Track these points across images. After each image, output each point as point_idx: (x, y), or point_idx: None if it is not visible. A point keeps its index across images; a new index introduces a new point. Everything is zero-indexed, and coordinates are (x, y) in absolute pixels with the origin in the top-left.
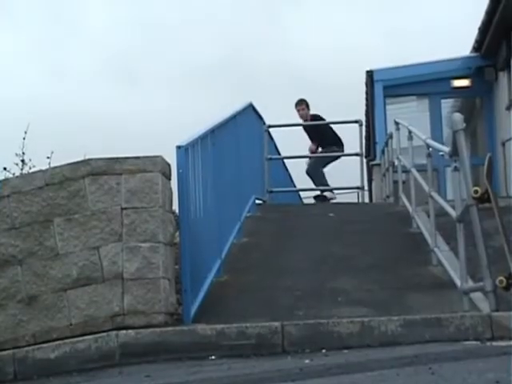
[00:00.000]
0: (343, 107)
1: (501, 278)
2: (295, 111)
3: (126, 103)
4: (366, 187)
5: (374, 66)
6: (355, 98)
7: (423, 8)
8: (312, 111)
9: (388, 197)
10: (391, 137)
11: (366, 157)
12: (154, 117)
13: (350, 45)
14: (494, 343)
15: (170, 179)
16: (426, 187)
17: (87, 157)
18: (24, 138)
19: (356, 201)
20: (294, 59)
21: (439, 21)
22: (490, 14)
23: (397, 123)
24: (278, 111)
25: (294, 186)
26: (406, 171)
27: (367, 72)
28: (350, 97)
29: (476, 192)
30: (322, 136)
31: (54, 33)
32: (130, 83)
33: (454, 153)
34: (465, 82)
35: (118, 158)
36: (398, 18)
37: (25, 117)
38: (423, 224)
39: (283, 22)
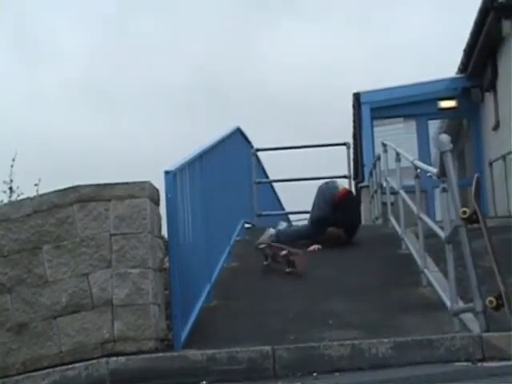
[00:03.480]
0: (321, 127)
1: (491, 298)
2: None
3: (97, 126)
4: None
5: (356, 86)
6: (335, 118)
7: (408, 27)
8: (295, 134)
9: (377, 218)
10: (379, 158)
11: (354, 179)
12: (126, 139)
13: (328, 65)
14: (485, 364)
15: (158, 204)
16: (414, 208)
17: (75, 183)
18: (12, 166)
19: None
20: (270, 79)
21: (423, 40)
22: (475, 36)
23: (384, 145)
24: (254, 133)
25: (283, 210)
26: (394, 193)
27: (354, 94)
28: (326, 117)
29: (464, 213)
30: None
31: (23, 57)
32: (101, 107)
33: (442, 174)
34: (451, 103)
35: (105, 184)
36: (379, 37)
37: None
38: (412, 245)
39: (257, 42)
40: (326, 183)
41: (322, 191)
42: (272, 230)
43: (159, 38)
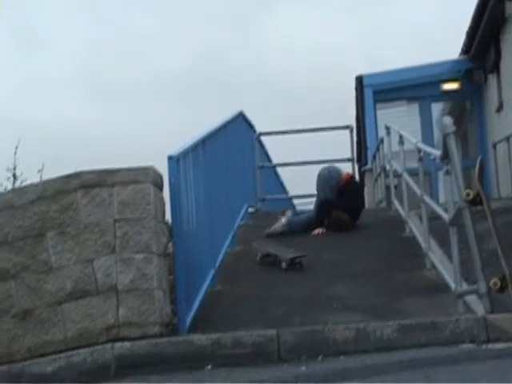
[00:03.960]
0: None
1: (495, 280)
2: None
3: (97, 114)
4: None
5: (357, 69)
6: (337, 101)
7: (410, 9)
8: (296, 118)
9: (380, 202)
10: (382, 142)
11: (357, 162)
12: (127, 127)
13: (327, 47)
14: (490, 345)
15: (161, 190)
16: (418, 191)
17: (78, 169)
18: (15, 153)
19: None
20: (270, 64)
21: (426, 21)
22: (478, 17)
23: (387, 128)
24: (256, 117)
25: (287, 194)
26: (397, 176)
27: (357, 77)
28: (327, 101)
29: (468, 195)
30: None
31: (23, 46)
32: (101, 95)
33: (445, 156)
34: (454, 85)
35: (109, 170)
36: (379, 20)
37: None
38: (416, 228)
39: (254, 27)
40: (328, 169)
41: (324, 177)
42: (283, 220)
43: (158, 26)
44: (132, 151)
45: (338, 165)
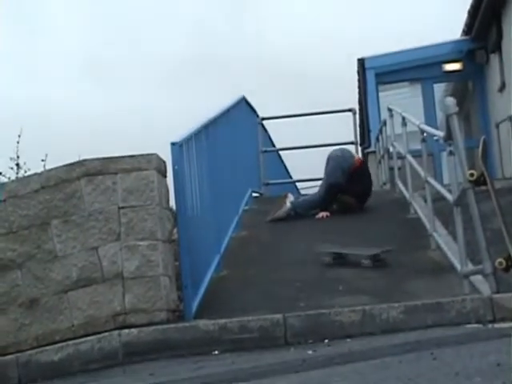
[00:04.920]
0: (328, 94)
1: (500, 259)
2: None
3: (101, 102)
4: None
5: (357, 52)
6: (338, 84)
7: None
8: (297, 102)
9: (384, 184)
10: (385, 124)
11: (360, 145)
12: (129, 115)
13: (328, 30)
14: (496, 325)
15: (165, 176)
16: (421, 173)
17: (81, 158)
18: (18, 142)
19: None
20: (270, 51)
21: (427, 3)
22: None
23: (390, 110)
24: (256, 103)
25: (291, 178)
26: (401, 157)
27: (359, 60)
28: (328, 84)
29: (472, 175)
30: None
31: (19, 34)
32: (104, 83)
33: (449, 137)
34: (456, 66)
35: (112, 158)
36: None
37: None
38: (421, 209)
39: (253, 14)
40: (341, 151)
41: (337, 160)
42: (288, 204)
43: (157, 11)
44: (131, 137)
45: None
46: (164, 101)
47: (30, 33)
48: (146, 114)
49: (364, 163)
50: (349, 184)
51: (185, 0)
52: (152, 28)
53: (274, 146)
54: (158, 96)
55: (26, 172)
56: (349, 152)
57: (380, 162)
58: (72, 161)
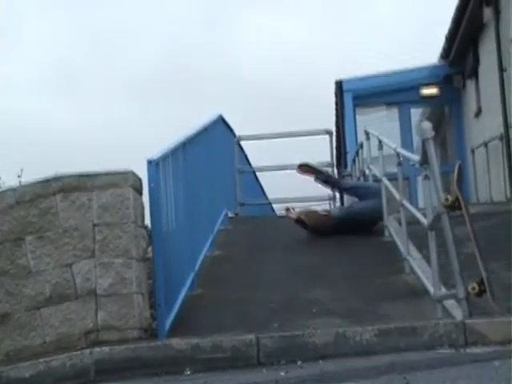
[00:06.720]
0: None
1: (473, 284)
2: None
3: (63, 115)
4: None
5: (334, 74)
6: (313, 106)
7: (387, 14)
8: (273, 122)
9: None
10: (361, 146)
11: (336, 167)
12: (92, 129)
13: (303, 51)
14: (468, 350)
15: (141, 194)
16: (397, 196)
17: (56, 171)
18: None
19: None
20: (245, 67)
21: (404, 24)
22: (457, 22)
23: (367, 133)
24: (233, 122)
25: (266, 198)
26: (377, 180)
27: (336, 82)
28: (304, 104)
29: (447, 200)
30: None
31: None
32: (67, 96)
33: (424, 161)
34: (433, 90)
35: (88, 174)
36: (355, 24)
37: None
38: (395, 232)
39: (223, 29)
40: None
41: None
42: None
43: (132, 24)
44: (106, 151)
45: None
46: (137, 113)
47: (3, 44)
48: (120, 127)
49: None
50: None
51: (160, 15)
52: (127, 41)
53: (250, 165)
54: (131, 109)
55: (0, 187)
56: None
57: None
58: (47, 175)
